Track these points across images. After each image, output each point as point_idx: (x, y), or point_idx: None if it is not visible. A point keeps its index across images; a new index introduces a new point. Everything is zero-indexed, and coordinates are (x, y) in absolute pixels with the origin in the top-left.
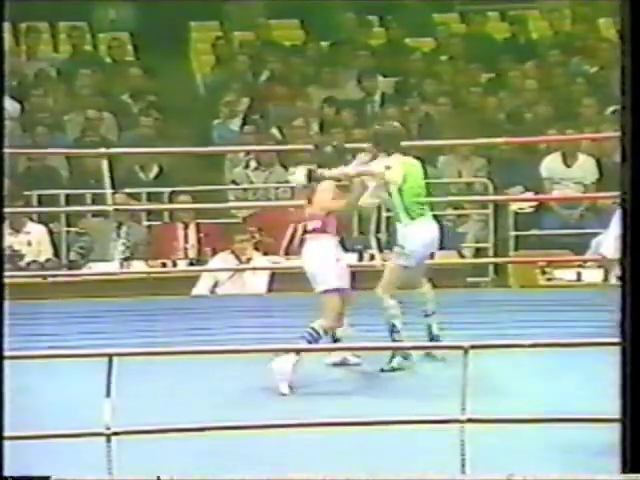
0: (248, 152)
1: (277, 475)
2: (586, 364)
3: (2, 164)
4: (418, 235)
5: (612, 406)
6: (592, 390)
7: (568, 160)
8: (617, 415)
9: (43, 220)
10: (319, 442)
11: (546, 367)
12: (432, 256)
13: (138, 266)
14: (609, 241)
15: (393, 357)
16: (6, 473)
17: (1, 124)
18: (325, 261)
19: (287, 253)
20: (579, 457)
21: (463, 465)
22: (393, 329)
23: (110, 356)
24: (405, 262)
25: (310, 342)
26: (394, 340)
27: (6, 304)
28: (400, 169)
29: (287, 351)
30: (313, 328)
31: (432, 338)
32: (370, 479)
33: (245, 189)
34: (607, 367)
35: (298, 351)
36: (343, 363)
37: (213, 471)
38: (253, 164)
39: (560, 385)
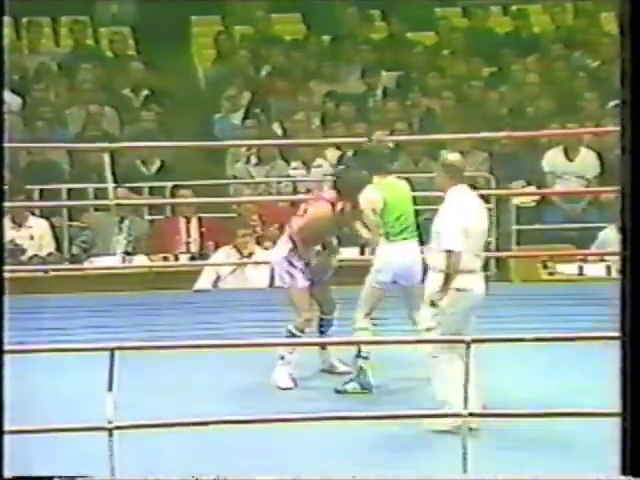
0: (249, 147)
1: (280, 469)
2: (588, 358)
3: (2, 158)
4: (392, 258)
5: (613, 400)
6: (594, 384)
7: (570, 154)
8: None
9: (45, 214)
10: (323, 436)
11: (547, 361)
12: (421, 279)
13: (140, 260)
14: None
15: (351, 380)
16: (6, 467)
17: (1, 118)
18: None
19: None
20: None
21: (464, 459)
22: (359, 353)
23: (112, 350)
24: (374, 282)
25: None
26: (356, 364)
27: (7, 298)
28: (379, 193)
29: (289, 345)
30: (289, 330)
31: None
32: (371, 479)
33: (247, 183)
34: (609, 361)
35: (299, 345)
36: (331, 371)
37: (213, 465)
38: (254, 159)
39: (562, 379)
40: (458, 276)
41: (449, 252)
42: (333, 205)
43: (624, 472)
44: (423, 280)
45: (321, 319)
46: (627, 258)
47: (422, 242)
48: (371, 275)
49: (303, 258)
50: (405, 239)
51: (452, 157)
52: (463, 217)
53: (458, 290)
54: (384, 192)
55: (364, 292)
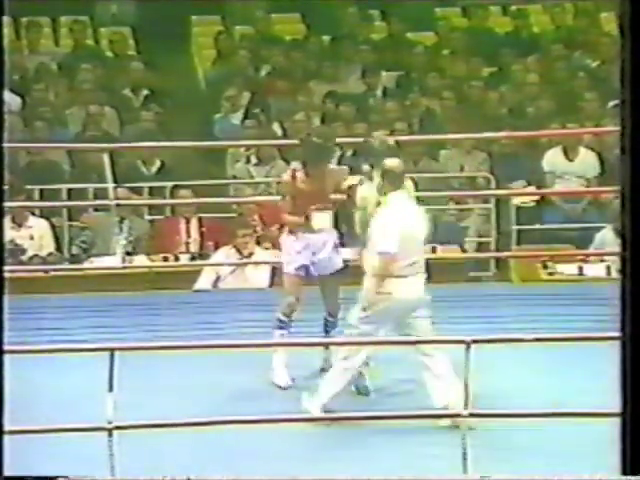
0: (248, 147)
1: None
2: (588, 359)
3: (2, 158)
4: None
5: (613, 401)
6: (594, 385)
7: (569, 154)
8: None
9: (45, 214)
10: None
11: (548, 361)
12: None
13: (140, 260)
14: None
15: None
16: (6, 468)
17: (1, 118)
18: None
19: None
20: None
21: (465, 459)
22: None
23: (112, 350)
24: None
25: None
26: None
27: (6, 298)
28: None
29: (288, 346)
30: (278, 318)
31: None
32: (369, 479)
33: (247, 183)
34: (609, 362)
35: (298, 345)
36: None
37: (215, 465)
38: (254, 159)
39: (562, 380)
40: (386, 279)
41: (381, 255)
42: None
43: (624, 472)
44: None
45: (326, 319)
46: (627, 258)
47: None
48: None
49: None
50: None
51: (390, 163)
52: (397, 222)
53: (378, 293)
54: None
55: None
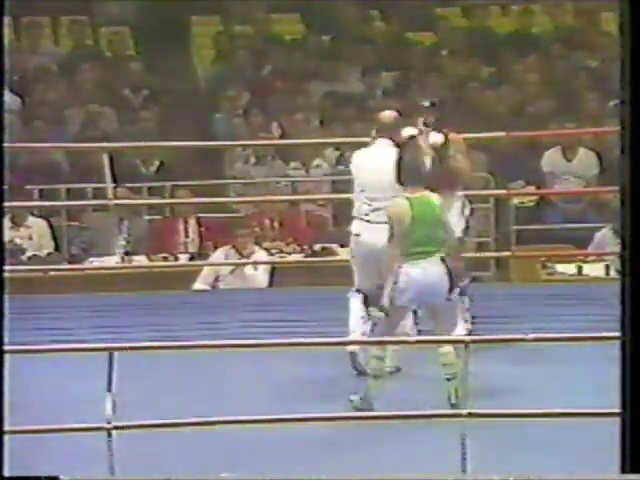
0: (245, 147)
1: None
2: (586, 359)
3: (2, 158)
4: None
5: (612, 401)
6: (593, 385)
7: (568, 154)
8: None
9: (44, 214)
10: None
11: (547, 361)
12: None
13: (139, 260)
14: None
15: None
16: (6, 467)
17: (1, 118)
18: None
19: None
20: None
21: (464, 460)
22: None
23: (111, 351)
24: None
25: None
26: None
27: (6, 298)
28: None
29: (292, 346)
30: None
31: None
32: (369, 479)
33: (245, 183)
34: (608, 362)
35: (298, 345)
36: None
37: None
38: (253, 159)
39: (561, 379)
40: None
41: None
42: None
43: (624, 471)
44: None
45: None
46: (627, 258)
47: None
48: None
49: None
50: None
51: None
52: (359, 168)
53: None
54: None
55: None
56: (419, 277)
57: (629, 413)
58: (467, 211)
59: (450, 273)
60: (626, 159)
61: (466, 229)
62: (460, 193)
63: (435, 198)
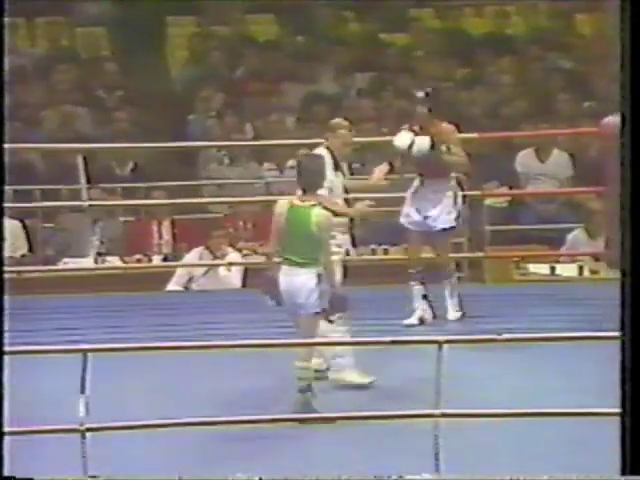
0: (220, 148)
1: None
2: (562, 358)
3: (2, 158)
4: None
5: (590, 401)
6: (567, 385)
7: (541, 155)
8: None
9: (18, 215)
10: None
11: (522, 362)
12: None
13: (113, 261)
14: None
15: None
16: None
17: (1, 118)
18: None
19: None
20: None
21: (437, 460)
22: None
23: (85, 352)
24: None
25: None
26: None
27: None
28: None
29: (266, 347)
30: None
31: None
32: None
33: (220, 184)
34: (584, 361)
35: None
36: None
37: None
38: (227, 160)
39: (537, 380)
40: None
41: None
42: None
43: (624, 472)
44: None
45: None
46: (627, 258)
47: None
48: None
49: None
50: None
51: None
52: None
53: None
54: None
55: None
56: (283, 283)
57: (629, 414)
58: (459, 201)
59: (320, 290)
60: (626, 159)
61: (457, 218)
62: (452, 183)
63: (318, 214)
